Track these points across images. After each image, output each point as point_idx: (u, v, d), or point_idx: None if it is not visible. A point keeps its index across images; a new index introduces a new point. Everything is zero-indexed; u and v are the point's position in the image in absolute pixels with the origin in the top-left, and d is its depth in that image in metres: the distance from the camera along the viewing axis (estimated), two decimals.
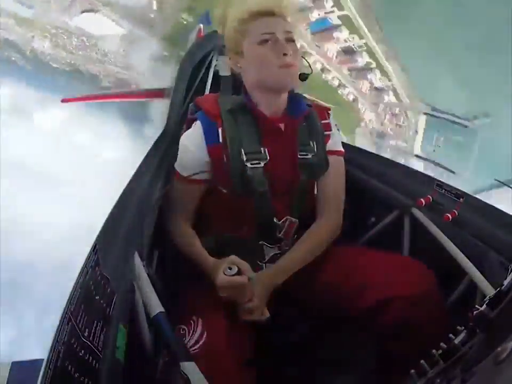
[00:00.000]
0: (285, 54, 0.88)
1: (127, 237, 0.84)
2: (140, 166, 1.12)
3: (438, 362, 0.57)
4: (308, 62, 1.00)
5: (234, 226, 1.02)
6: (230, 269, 0.82)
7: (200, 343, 0.77)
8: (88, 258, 0.64)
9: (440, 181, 1.16)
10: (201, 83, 1.69)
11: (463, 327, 0.59)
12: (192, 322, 0.82)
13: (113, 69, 8.66)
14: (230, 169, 0.94)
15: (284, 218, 1.02)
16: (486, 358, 0.41)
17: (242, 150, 0.93)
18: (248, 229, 1.01)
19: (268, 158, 0.95)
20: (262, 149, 0.95)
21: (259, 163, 0.94)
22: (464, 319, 0.57)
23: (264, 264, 1.04)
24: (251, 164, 0.93)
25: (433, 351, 0.59)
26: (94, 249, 0.67)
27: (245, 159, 0.93)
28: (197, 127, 0.97)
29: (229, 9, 0.95)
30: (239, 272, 0.82)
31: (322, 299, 1.00)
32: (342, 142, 1.43)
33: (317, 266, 1.00)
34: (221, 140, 0.94)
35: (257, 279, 0.89)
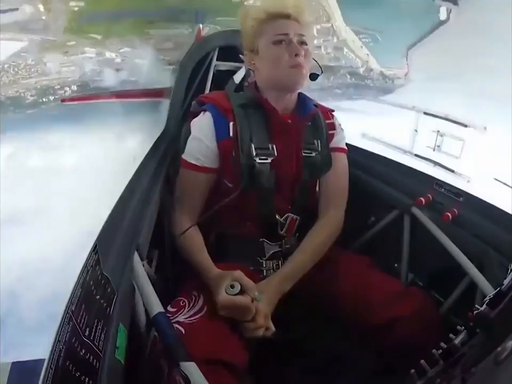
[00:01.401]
0: (296, 55, 0.92)
1: (127, 236, 0.84)
2: (140, 166, 1.12)
3: (438, 362, 0.57)
4: (318, 63, 1.03)
5: (236, 222, 1.02)
6: (233, 287, 0.76)
7: (199, 315, 0.77)
8: (89, 258, 0.64)
9: (440, 180, 1.16)
10: (201, 83, 1.69)
11: (463, 327, 0.59)
12: (194, 297, 0.83)
13: (31, 81, 8.76)
14: (239, 163, 0.94)
15: (286, 215, 1.02)
16: (486, 357, 0.41)
17: (252, 145, 0.94)
18: (250, 226, 1.02)
19: (276, 154, 0.96)
20: (270, 145, 0.96)
21: (267, 159, 0.95)
22: (464, 319, 0.57)
23: (264, 261, 1.04)
24: (260, 159, 0.94)
25: (434, 350, 0.59)
26: (95, 249, 0.67)
27: (254, 154, 0.94)
28: (206, 118, 0.98)
29: (249, 9, 0.99)
30: (241, 291, 0.77)
31: (327, 308, 0.98)
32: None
33: (323, 273, 0.99)
34: (231, 134, 0.95)
35: (263, 294, 0.83)
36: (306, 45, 0.96)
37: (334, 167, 1.07)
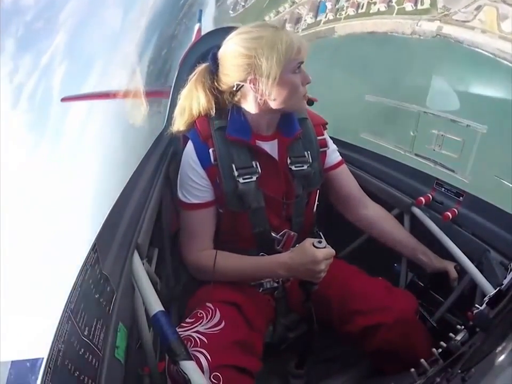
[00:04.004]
0: (307, 83, 0.91)
1: (126, 235, 0.84)
2: (139, 165, 1.12)
3: (438, 361, 0.57)
4: None
5: (234, 240, 1.01)
6: (320, 242, 0.83)
7: (219, 327, 0.81)
8: (88, 257, 0.64)
9: (440, 179, 1.16)
10: None
11: (463, 327, 0.59)
12: (210, 310, 0.85)
13: None
14: (222, 187, 0.92)
15: (283, 232, 1.01)
16: (486, 357, 0.41)
17: (233, 166, 0.92)
18: (248, 243, 1.01)
19: (260, 171, 0.94)
20: (253, 163, 0.94)
21: (251, 177, 0.93)
22: (464, 319, 0.57)
23: None
24: (243, 179, 0.92)
25: (433, 349, 0.59)
26: (94, 248, 0.67)
27: (236, 175, 0.91)
28: (189, 148, 0.96)
29: (291, 37, 0.88)
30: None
31: (317, 312, 0.98)
32: (343, 141, 1.44)
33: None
34: (213, 161, 0.93)
35: None
36: None
37: (344, 174, 1.11)
